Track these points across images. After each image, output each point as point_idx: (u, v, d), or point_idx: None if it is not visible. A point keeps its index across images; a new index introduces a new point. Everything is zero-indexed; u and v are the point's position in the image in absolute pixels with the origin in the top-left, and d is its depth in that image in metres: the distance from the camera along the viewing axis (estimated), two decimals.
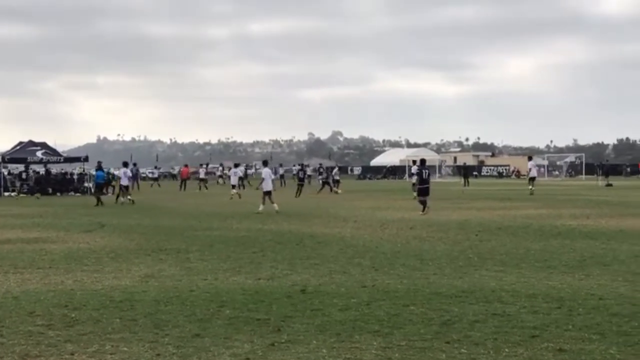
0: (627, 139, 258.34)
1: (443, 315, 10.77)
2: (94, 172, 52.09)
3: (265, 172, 35.90)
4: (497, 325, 10.09)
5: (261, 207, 33.67)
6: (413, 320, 10.47)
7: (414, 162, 53.04)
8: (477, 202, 41.91)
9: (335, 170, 63.87)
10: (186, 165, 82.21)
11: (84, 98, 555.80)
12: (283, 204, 36.62)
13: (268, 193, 34.46)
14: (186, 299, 12.28)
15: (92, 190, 45.28)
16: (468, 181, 72.17)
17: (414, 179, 44.11)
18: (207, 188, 65.81)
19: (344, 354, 8.74)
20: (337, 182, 58.93)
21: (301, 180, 52.69)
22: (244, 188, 61.40)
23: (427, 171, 33.94)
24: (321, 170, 65.64)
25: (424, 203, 32.26)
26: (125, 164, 45.52)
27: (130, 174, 48.03)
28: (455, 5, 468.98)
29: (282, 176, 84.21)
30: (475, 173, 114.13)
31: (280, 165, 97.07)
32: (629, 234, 22.38)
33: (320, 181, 60.62)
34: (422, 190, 32.95)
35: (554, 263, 16.36)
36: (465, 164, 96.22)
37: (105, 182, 45.48)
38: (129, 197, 43.16)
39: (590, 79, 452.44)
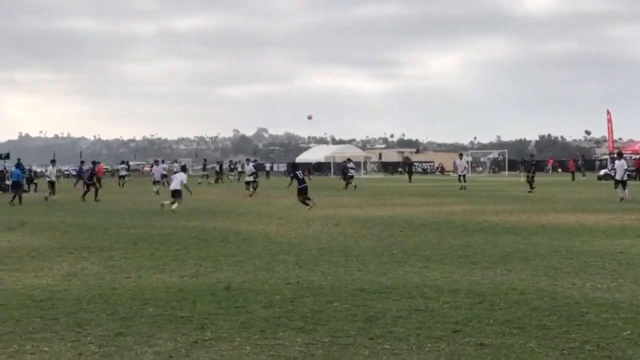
0: (549, 135, 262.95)
1: (367, 312, 10.83)
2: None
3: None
4: (420, 321, 10.17)
5: (174, 206, 33.11)
6: (337, 317, 10.50)
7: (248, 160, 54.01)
8: (402, 198, 42.21)
9: (350, 164, 61.53)
10: (99, 163, 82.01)
11: (3, 94, 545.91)
12: (209, 200, 36.44)
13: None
14: (109, 298, 12.16)
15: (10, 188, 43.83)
16: (411, 177, 72.84)
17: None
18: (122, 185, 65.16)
19: (268, 350, 8.73)
20: (351, 177, 57.70)
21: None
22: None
23: (300, 172, 36.40)
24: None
25: (304, 201, 33.85)
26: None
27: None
28: (378, 2, 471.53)
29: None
30: (399, 169, 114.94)
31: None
32: (550, 229, 22.74)
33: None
34: (301, 190, 34.62)
35: (477, 258, 16.55)
36: (409, 160, 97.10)
37: (21, 180, 44.20)
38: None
39: (513, 77, 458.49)
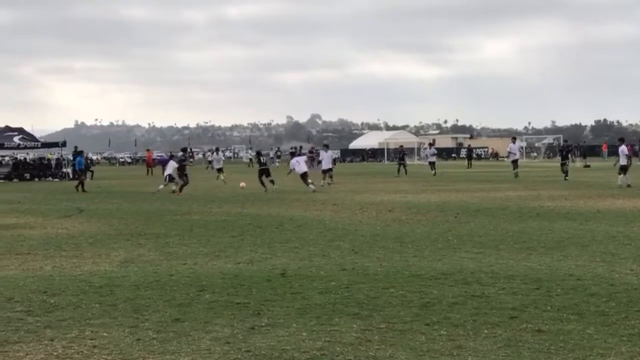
0: (605, 120, 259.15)
1: (422, 298, 10.81)
2: (71, 157, 51.26)
3: (323, 154, 39.77)
4: (476, 307, 10.14)
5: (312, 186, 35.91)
6: (392, 303, 10.50)
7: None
8: (456, 184, 42.04)
9: (430, 150, 59.06)
10: (149, 150, 79.33)
11: (61, 83, 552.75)
12: (261, 187, 36.59)
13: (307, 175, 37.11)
14: (166, 284, 12.27)
15: (72, 175, 43.65)
16: (471, 163, 72.62)
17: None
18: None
19: (324, 336, 8.75)
20: (432, 163, 54.88)
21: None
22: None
23: (264, 157, 41.65)
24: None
25: (263, 183, 37.58)
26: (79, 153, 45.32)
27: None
28: None
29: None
30: (453, 155, 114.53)
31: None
32: (607, 215, 22.50)
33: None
34: (263, 171, 38.40)
35: (533, 244, 16.44)
36: (470, 146, 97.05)
37: (83, 167, 44.42)
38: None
39: (568, 61, 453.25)
